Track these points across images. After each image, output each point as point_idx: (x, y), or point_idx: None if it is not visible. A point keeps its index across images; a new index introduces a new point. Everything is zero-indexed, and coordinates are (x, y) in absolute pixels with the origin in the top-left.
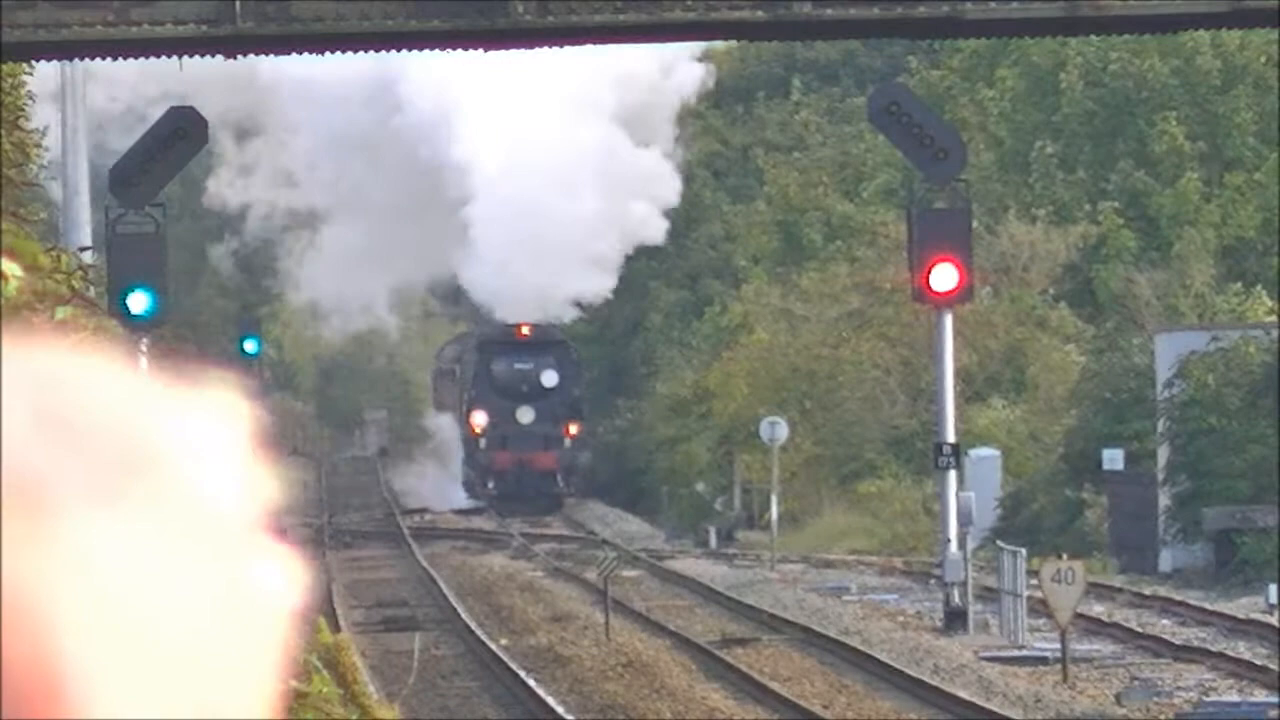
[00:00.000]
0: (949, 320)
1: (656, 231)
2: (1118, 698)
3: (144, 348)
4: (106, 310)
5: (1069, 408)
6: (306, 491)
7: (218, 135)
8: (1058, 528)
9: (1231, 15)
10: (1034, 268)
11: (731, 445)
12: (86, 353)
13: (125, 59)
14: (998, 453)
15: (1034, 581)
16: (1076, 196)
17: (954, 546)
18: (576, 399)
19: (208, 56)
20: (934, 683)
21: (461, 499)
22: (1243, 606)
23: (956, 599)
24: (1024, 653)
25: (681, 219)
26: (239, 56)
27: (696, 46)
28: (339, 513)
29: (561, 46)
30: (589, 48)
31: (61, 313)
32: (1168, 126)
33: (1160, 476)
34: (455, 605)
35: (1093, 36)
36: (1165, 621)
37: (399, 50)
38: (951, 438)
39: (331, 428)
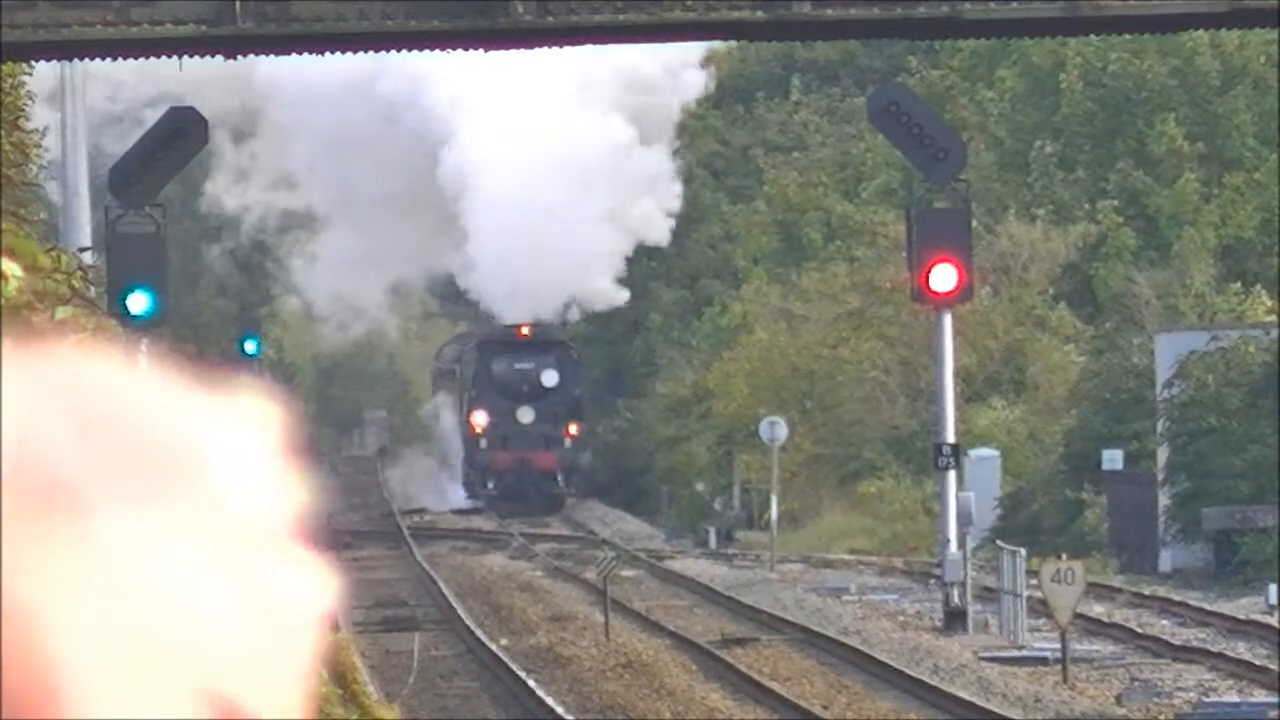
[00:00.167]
0: (948, 320)
1: (661, 231)
2: (1117, 698)
3: (144, 348)
4: (106, 310)
5: (1069, 408)
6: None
7: (214, 137)
8: (1057, 528)
9: (1231, 15)
10: (1034, 268)
11: (731, 445)
12: (120, 359)
13: (125, 59)
14: (997, 453)
15: (1034, 582)
16: (1076, 196)
17: (954, 546)
18: (577, 399)
19: (207, 56)
20: (933, 683)
21: (461, 499)
22: (1242, 607)
23: (956, 599)
24: (1024, 653)
25: (681, 219)
26: (239, 56)
27: (701, 50)
28: (338, 513)
29: (561, 46)
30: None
31: (61, 313)
32: (1167, 128)
33: (1160, 476)
34: (455, 605)
35: (1092, 36)
36: (1165, 622)
37: (399, 50)
38: (951, 438)
39: (331, 428)
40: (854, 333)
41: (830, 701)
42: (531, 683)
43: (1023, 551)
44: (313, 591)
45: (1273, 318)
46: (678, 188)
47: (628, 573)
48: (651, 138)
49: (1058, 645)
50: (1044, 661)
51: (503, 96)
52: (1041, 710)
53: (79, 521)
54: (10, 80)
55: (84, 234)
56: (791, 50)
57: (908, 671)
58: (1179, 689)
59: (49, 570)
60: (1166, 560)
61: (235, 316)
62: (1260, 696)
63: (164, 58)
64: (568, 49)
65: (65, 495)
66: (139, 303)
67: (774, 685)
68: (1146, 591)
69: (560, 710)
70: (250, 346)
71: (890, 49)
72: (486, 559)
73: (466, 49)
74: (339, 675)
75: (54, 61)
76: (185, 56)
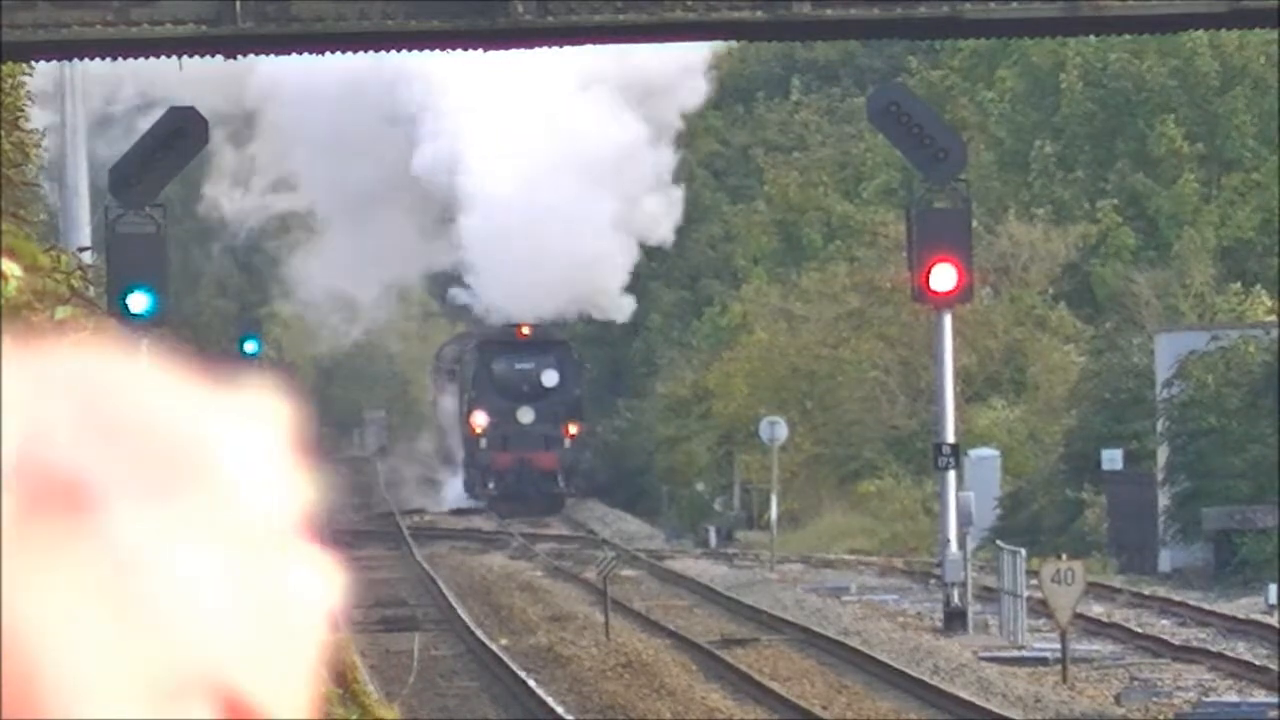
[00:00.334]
0: (948, 320)
1: (666, 230)
2: (1117, 698)
3: (144, 348)
4: (106, 310)
5: (1068, 408)
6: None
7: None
8: (1057, 528)
9: (1230, 15)
10: (1033, 268)
11: (731, 445)
12: (126, 355)
13: (125, 59)
14: (997, 453)
15: (1034, 582)
16: (1076, 196)
17: (954, 547)
18: (577, 399)
19: (207, 56)
20: (934, 683)
21: (461, 498)
22: (1242, 607)
23: (956, 599)
24: (1023, 653)
25: (682, 219)
26: (239, 56)
27: (706, 57)
28: (338, 512)
29: (561, 46)
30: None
31: (61, 313)
32: (1166, 128)
33: (1160, 476)
34: (455, 605)
35: (1092, 37)
36: (1165, 622)
37: (399, 50)
38: (951, 438)
39: (331, 428)
40: (854, 333)
41: (830, 702)
42: (531, 683)
43: (1023, 551)
44: (320, 590)
45: (1273, 318)
46: (677, 193)
47: (628, 573)
48: (655, 139)
49: (1058, 645)
50: (1044, 661)
51: (505, 94)
52: (1041, 710)
53: (87, 517)
54: (10, 80)
55: (84, 234)
56: (791, 50)
57: (908, 671)
58: (1179, 689)
59: (55, 567)
60: (1166, 560)
61: (235, 316)
62: (1260, 696)
63: (164, 58)
64: (570, 48)
65: (73, 491)
66: (139, 303)
67: (774, 685)
68: (1146, 591)
69: (560, 710)
70: (250, 346)
71: (890, 49)
72: (486, 559)
73: (466, 49)
74: (339, 675)
75: (52, 62)
76: (185, 56)
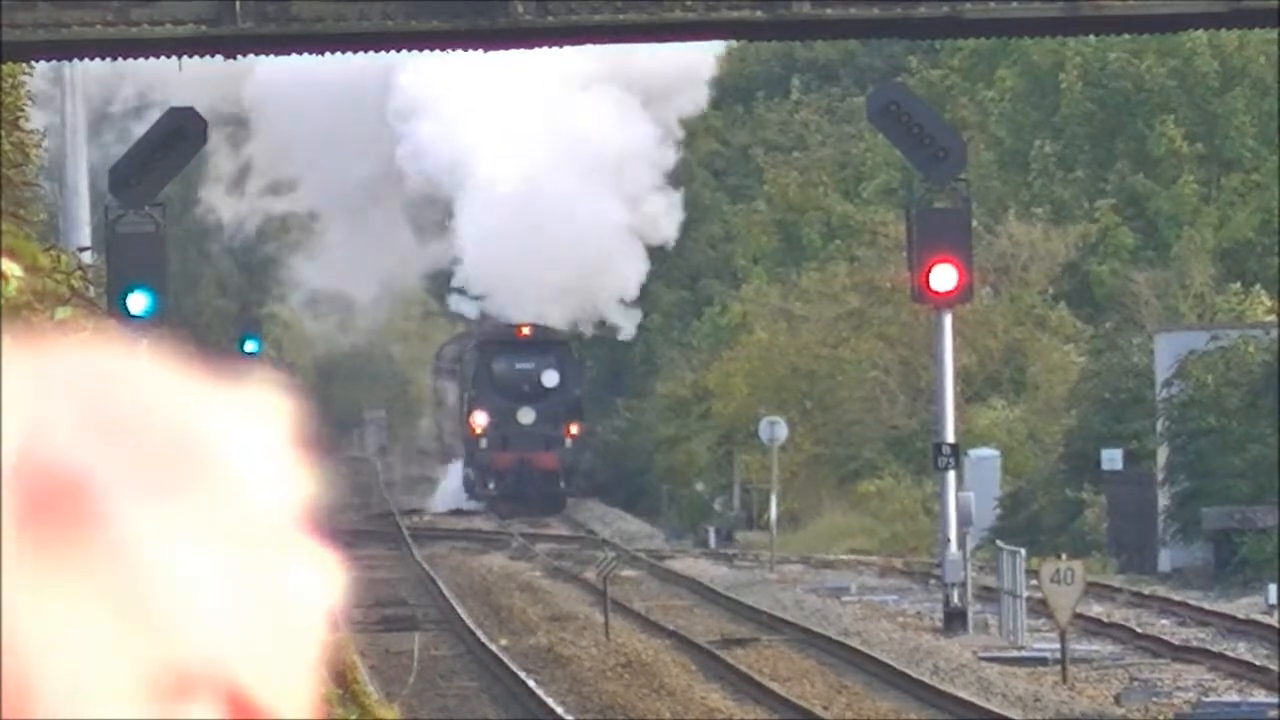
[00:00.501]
0: (948, 320)
1: (669, 229)
2: (1117, 698)
3: (144, 348)
4: (106, 310)
5: (1068, 408)
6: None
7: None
8: (1057, 528)
9: (1230, 15)
10: (1033, 267)
11: (731, 445)
12: (130, 354)
13: (125, 59)
14: (997, 453)
15: (1033, 582)
16: (1075, 196)
17: (953, 547)
18: (577, 399)
19: (207, 56)
20: (933, 683)
21: (461, 499)
22: (1242, 606)
23: (956, 599)
24: (1023, 653)
25: (682, 219)
26: (239, 56)
27: (714, 61)
28: (338, 512)
29: (561, 46)
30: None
31: (61, 313)
32: (1166, 129)
33: (1159, 476)
34: (455, 605)
35: (1091, 36)
36: (1164, 622)
37: (399, 50)
38: (951, 438)
39: (331, 428)
40: (854, 333)
41: (830, 702)
42: (531, 683)
43: (1022, 551)
44: (322, 588)
45: (1272, 317)
46: (676, 195)
47: (628, 573)
48: (663, 140)
49: (1057, 645)
50: (1044, 661)
51: (507, 91)
52: (1041, 710)
53: (89, 515)
54: (10, 80)
55: (84, 234)
56: (791, 50)
57: (908, 672)
58: (1178, 689)
59: (57, 565)
60: (1166, 560)
61: (235, 316)
62: (1260, 696)
63: (164, 58)
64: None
65: (75, 489)
66: (139, 303)
67: (774, 685)
68: (1146, 591)
69: (560, 710)
70: (250, 346)
71: (890, 48)
72: (486, 559)
73: (466, 49)
74: (339, 675)
75: (47, 62)
76: (185, 56)
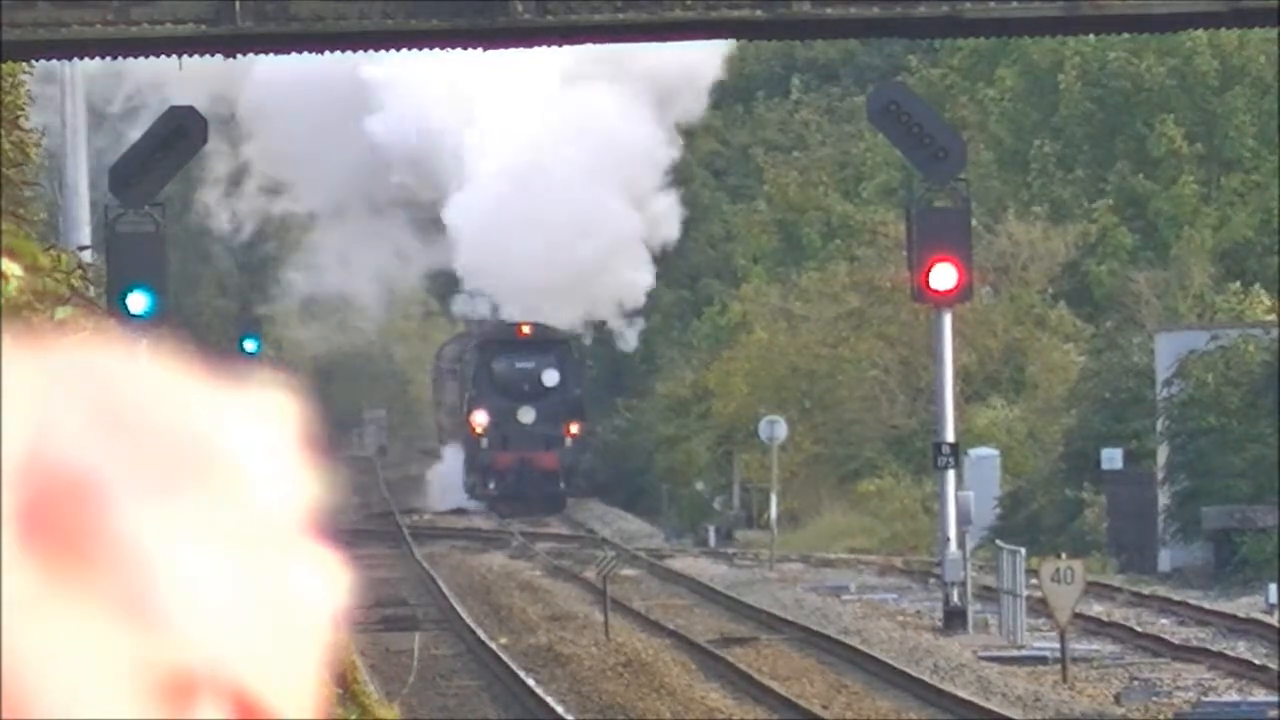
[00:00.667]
0: (948, 319)
1: (672, 228)
2: (1117, 697)
3: (144, 348)
4: (106, 310)
5: (1068, 407)
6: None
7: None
8: (1057, 527)
9: (1230, 15)
10: (1033, 267)
11: (731, 445)
12: (133, 352)
13: (125, 58)
14: (997, 452)
15: (1033, 581)
16: (1075, 195)
17: (953, 546)
18: (578, 398)
19: (207, 56)
20: (933, 682)
21: (458, 488)
22: (1242, 606)
23: (956, 598)
24: (1023, 652)
25: (682, 219)
26: (238, 56)
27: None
28: (339, 512)
29: (561, 45)
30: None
31: (61, 313)
32: (1166, 128)
33: (1160, 476)
34: (455, 605)
35: (1091, 36)
36: (1164, 621)
37: (398, 50)
38: (951, 437)
39: (330, 427)
40: (854, 332)
41: (830, 701)
42: (531, 682)
43: (1022, 551)
44: (326, 588)
45: (1272, 317)
46: (674, 197)
47: (627, 572)
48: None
49: (1057, 645)
50: (1044, 661)
51: (509, 89)
52: (1041, 710)
53: (94, 515)
54: (10, 80)
55: (84, 234)
56: (791, 49)
57: (908, 671)
58: (1178, 688)
59: (61, 566)
60: (1166, 560)
61: (235, 316)
62: (1260, 696)
63: (163, 57)
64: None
65: (80, 489)
66: (138, 302)
67: (774, 685)
68: (1146, 591)
69: (560, 709)
70: (250, 346)
71: (890, 48)
72: (486, 558)
73: (466, 48)
74: (339, 675)
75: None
76: (185, 56)
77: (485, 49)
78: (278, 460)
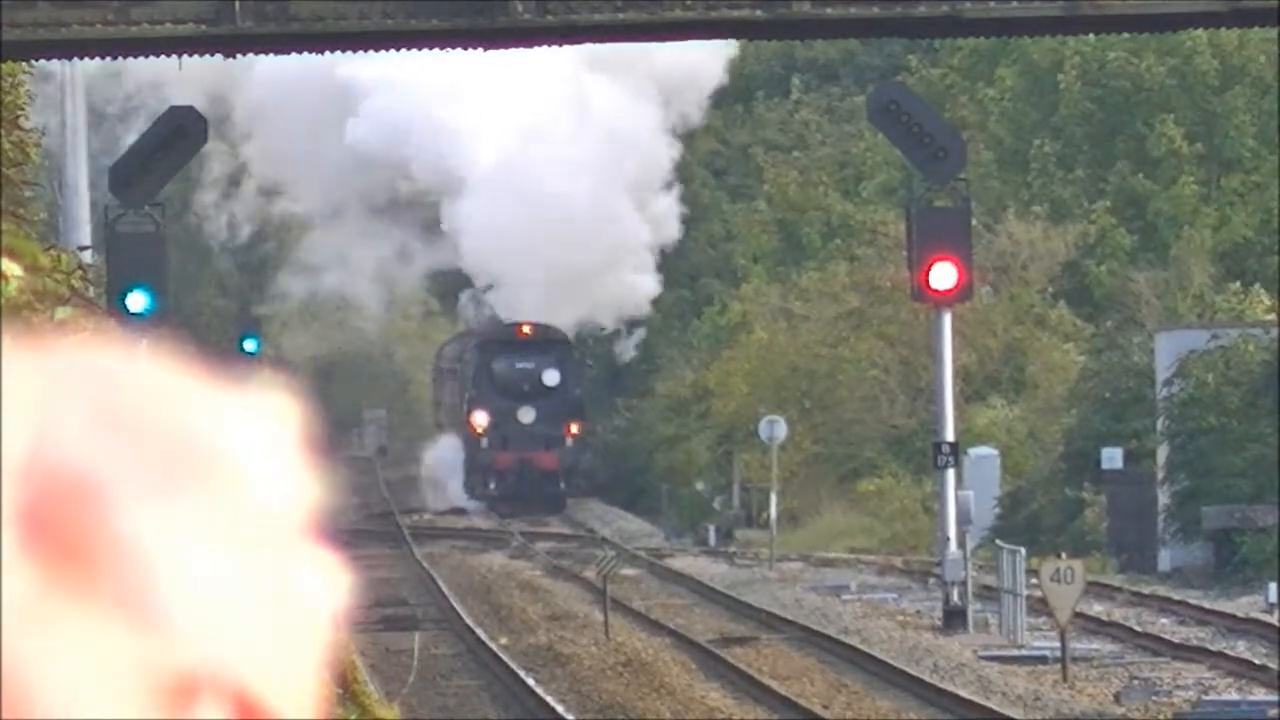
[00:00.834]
0: (948, 319)
1: (672, 227)
2: (1117, 697)
3: (143, 348)
4: (106, 310)
5: (1068, 407)
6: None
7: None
8: (1057, 527)
9: (1230, 15)
10: (1033, 266)
11: (731, 444)
12: (134, 353)
13: (125, 58)
14: (997, 452)
15: (1033, 581)
16: (1075, 195)
17: (953, 545)
18: (578, 398)
19: (207, 56)
20: (933, 682)
21: (461, 499)
22: (1242, 606)
23: (956, 598)
24: (1023, 652)
25: (682, 218)
26: (238, 56)
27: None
28: (339, 512)
29: (561, 45)
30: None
31: (61, 312)
32: (1166, 128)
33: (1160, 475)
34: (455, 604)
35: (1091, 36)
36: (1164, 621)
37: (398, 49)
38: (951, 437)
39: (330, 427)
40: (854, 332)
41: (830, 701)
42: (531, 681)
43: (1022, 550)
44: (327, 588)
45: (1272, 317)
46: (674, 196)
47: (627, 571)
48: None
49: (1057, 644)
50: (1044, 660)
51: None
52: (1041, 709)
53: (96, 516)
54: (10, 80)
55: (84, 234)
56: (791, 49)
57: (907, 670)
58: (1178, 688)
59: (62, 566)
60: (1166, 559)
61: (235, 316)
62: (1260, 695)
63: (163, 57)
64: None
65: (82, 489)
66: (138, 302)
67: (773, 684)
68: (1146, 590)
69: (560, 709)
70: (250, 346)
71: (890, 47)
72: (486, 558)
73: (466, 48)
74: (339, 675)
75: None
76: (185, 56)
77: (485, 49)
78: (278, 460)
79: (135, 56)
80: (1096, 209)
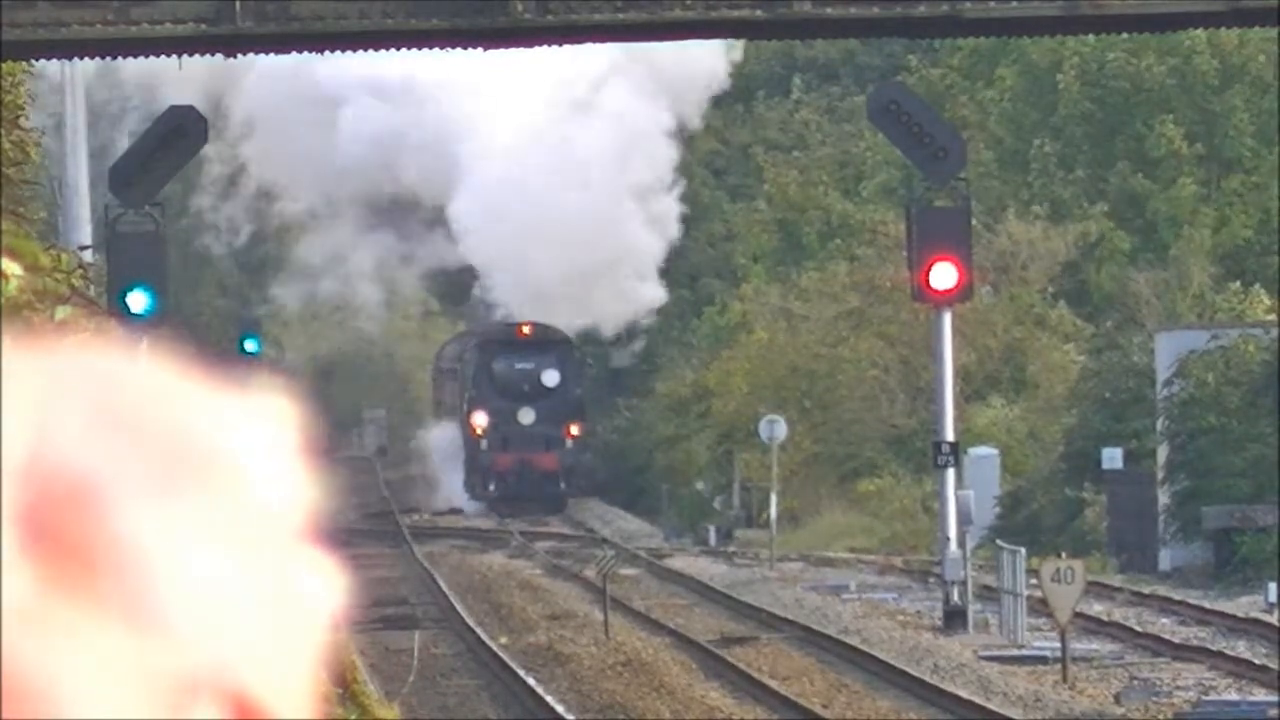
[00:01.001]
0: (948, 319)
1: (673, 227)
2: (1117, 697)
3: (144, 348)
4: (106, 309)
5: (1068, 407)
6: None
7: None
8: (1057, 527)
9: (1229, 14)
10: (1033, 266)
11: (731, 444)
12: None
13: (125, 58)
14: (997, 452)
15: (1033, 581)
16: (1075, 195)
17: (953, 545)
18: (578, 399)
19: (207, 56)
20: (933, 682)
21: (461, 500)
22: (1242, 605)
23: (956, 598)
24: (1023, 652)
25: (682, 218)
26: (238, 56)
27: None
28: (338, 512)
29: (561, 45)
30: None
31: (61, 312)
32: (1165, 129)
33: (1160, 475)
34: (455, 604)
35: (1091, 36)
36: (1164, 620)
37: (398, 49)
38: (951, 436)
39: (330, 427)
40: (854, 332)
41: (830, 700)
42: (531, 681)
43: (1022, 550)
44: (325, 589)
45: (1272, 317)
46: (675, 196)
47: (627, 571)
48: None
49: (1057, 644)
50: (1044, 660)
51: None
52: (1041, 709)
53: (95, 516)
54: (10, 80)
55: (84, 233)
56: (792, 49)
57: (908, 670)
58: (1178, 688)
59: (61, 567)
60: (1166, 559)
61: (235, 316)
62: (1260, 695)
63: (163, 57)
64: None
65: (82, 490)
66: (138, 302)
67: (773, 684)
68: (1146, 590)
69: (560, 709)
70: (250, 346)
71: (890, 47)
72: (486, 557)
73: (466, 48)
74: (339, 675)
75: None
76: (185, 56)
77: (485, 49)
78: (277, 461)
79: (135, 56)
80: (1094, 213)
